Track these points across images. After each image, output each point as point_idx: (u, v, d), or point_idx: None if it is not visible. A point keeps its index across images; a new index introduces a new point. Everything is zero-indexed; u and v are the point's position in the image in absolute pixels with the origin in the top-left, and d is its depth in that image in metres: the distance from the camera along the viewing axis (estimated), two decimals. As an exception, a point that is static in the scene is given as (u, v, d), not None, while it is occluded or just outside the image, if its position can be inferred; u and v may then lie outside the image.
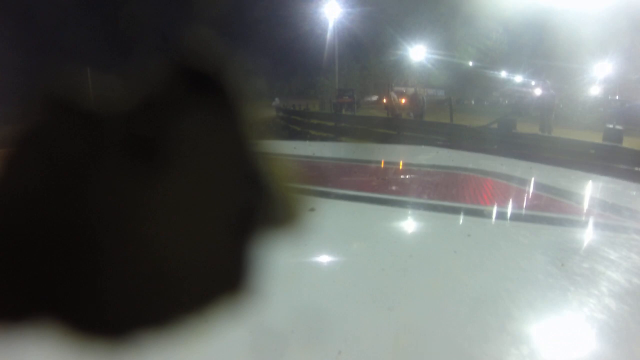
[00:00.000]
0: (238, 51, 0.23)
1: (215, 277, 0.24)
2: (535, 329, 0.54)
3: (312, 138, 9.74)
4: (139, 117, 0.21)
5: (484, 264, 0.74)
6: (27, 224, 0.21)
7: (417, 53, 24.61)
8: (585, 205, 1.22)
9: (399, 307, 0.57)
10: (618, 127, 8.01)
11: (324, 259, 0.75)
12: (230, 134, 0.23)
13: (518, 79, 24.25)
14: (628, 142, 7.22)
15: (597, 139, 7.37)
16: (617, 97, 17.34)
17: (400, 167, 1.77)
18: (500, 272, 0.71)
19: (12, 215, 0.21)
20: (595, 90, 19.32)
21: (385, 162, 1.86)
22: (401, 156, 2.11)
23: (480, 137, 8.03)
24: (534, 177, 1.56)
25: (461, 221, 1.00)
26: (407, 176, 1.59)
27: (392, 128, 10.04)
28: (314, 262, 0.71)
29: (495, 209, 1.12)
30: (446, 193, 1.28)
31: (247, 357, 0.46)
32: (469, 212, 1.05)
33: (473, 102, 26.92)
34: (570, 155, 6.01)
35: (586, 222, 1.04)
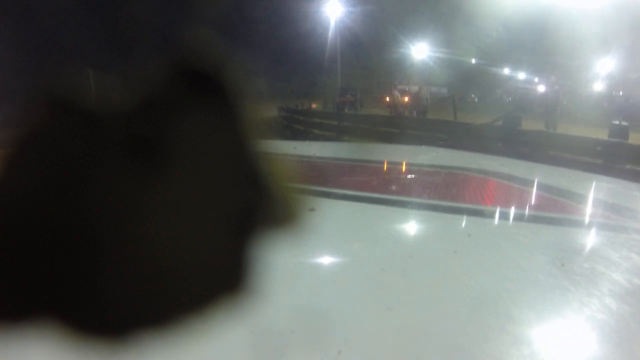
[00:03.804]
0: (238, 51, 0.23)
1: (215, 277, 0.24)
2: (536, 329, 0.54)
3: (315, 137, 9.74)
4: (140, 118, 0.21)
5: (484, 264, 0.74)
6: (27, 224, 0.21)
7: (420, 51, 24.58)
8: (586, 205, 1.22)
9: (399, 307, 0.57)
10: (624, 123, 7.91)
11: (324, 259, 0.76)
12: (231, 134, 0.23)
13: (521, 75, 24.18)
14: (634, 139, 7.16)
15: (602, 135, 7.29)
16: (620, 93, 17.24)
17: (401, 167, 1.77)
18: (501, 272, 0.71)
19: (13, 216, 0.21)
20: (598, 86, 19.22)
21: (385, 162, 1.86)
22: (402, 156, 2.10)
23: (484, 135, 7.97)
24: (534, 177, 1.55)
25: (461, 221, 1.00)
26: (408, 176, 1.59)
27: (395, 127, 10.01)
28: (314, 262, 0.72)
29: (495, 209, 1.12)
30: (446, 193, 1.28)
31: (247, 357, 0.46)
32: (469, 212, 1.05)
33: (476, 99, 26.84)
34: (577, 153, 5.98)
35: (586, 222, 1.04)
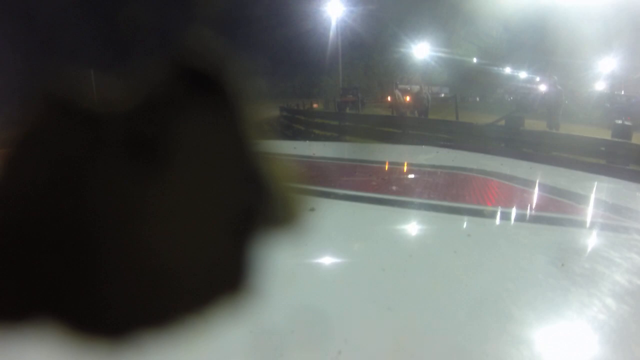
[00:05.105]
0: (239, 51, 0.23)
1: (216, 277, 0.24)
2: (536, 330, 0.54)
3: (316, 137, 9.74)
4: (141, 118, 0.22)
5: (484, 264, 0.74)
6: (28, 223, 0.21)
7: (421, 51, 24.56)
8: (586, 205, 1.21)
9: (399, 307, 0.57)
10: (627, 122, 7.88)
11: (324, 259, 0.76)
12: (231, 134, 0.23)
13: (523, 75, 24.14)
14: (637, 139, 7.14)
15: (604, 135, 7.27)
16: (622, 92, 17.18)
17: (401, 167, 1.77)
18: (501, 272, 0.71)
19: (13, 215, 0.21)
20: (600, 86, 19.17)
21: (386, 162, 1.86)
22: (402, 156, 2.10)
23: (487, 135, 7.95)
24: (534, 177, 1.55)
25: (461, 221, 1.00)
26: (408, 176, 1.59)
27: (396, 127, 10.00)
28: (313, 263, 0.72)
29: (495, 209, 1.12)
30: (446, 193, 1.27)
31: (247, 357, 0.46)
32: (469, 212, 1.05)
33: (478, 99, 26.74)
34: (581, 153, 5.96)
35: (586, 222, 1.04)
